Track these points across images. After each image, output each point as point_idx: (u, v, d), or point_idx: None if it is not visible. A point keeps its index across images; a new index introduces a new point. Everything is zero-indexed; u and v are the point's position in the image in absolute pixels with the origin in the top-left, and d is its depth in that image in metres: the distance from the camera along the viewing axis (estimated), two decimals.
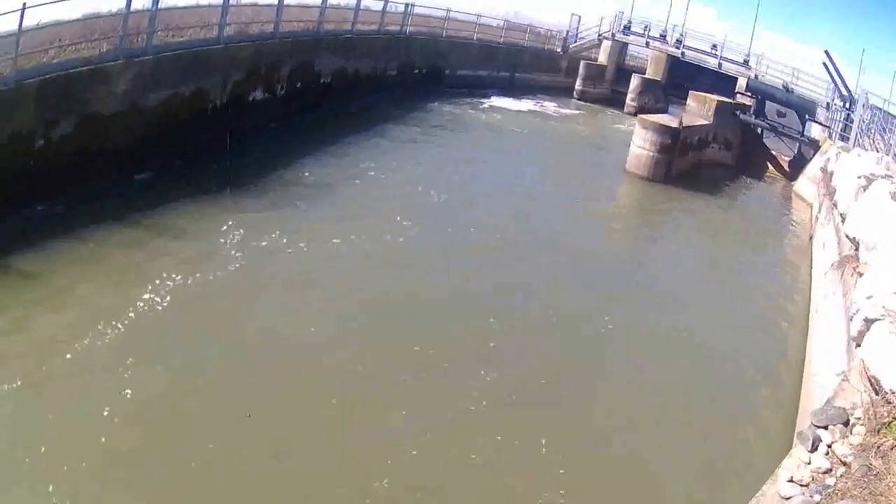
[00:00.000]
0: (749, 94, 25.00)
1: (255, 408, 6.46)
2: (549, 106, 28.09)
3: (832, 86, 22.62)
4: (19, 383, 6.20)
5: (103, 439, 5.70)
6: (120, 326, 7.35)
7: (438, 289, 9.67)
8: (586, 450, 6.93)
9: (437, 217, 12.66)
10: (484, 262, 10.93)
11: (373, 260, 10.13)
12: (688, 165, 19.65)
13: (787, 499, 4.22)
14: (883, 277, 7.21)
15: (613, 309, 10.10)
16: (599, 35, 31.65)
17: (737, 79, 26.66)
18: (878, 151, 16.42)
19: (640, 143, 18.61)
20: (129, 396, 6.27)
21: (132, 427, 5.91)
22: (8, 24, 9.49)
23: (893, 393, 5.34)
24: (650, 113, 22.50)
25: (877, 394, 5.48)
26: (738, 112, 23.16)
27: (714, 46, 28.59)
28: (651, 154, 18.35)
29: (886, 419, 5.21)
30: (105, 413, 5.98)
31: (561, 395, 7.72)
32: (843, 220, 11.90)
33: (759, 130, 23.70)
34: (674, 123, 18.78)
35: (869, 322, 6.67)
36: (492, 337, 8.51)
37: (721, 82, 26.77)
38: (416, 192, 13.72)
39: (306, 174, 13.64)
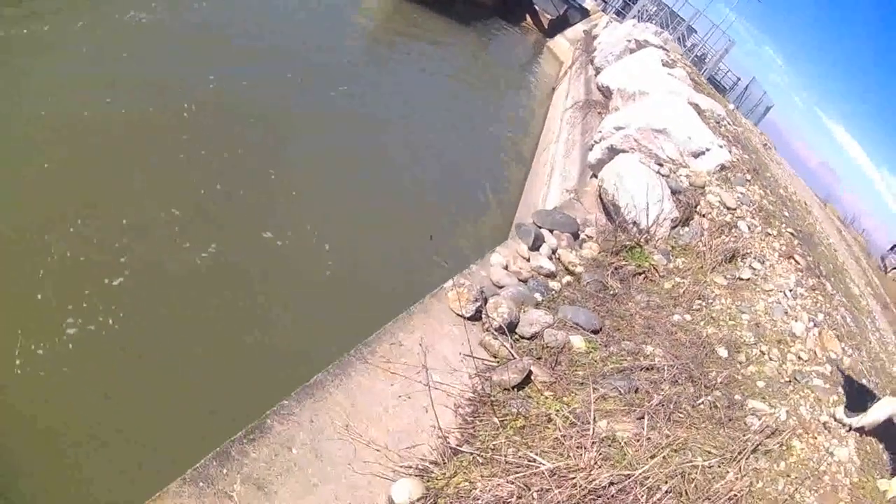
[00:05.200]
0: None
1: None
2: None
3: None
4: None
5: None
6: None
7: None
8: None
9: None
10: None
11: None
12: None
13: (501, 287, 3.73)
14: (638, 115, 6.29)
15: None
16: None
17: None
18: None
19: None
20: None
21: None
22: None
23: (636, 224, 4.52)
24: None
25: (612, 221, 5.08)
26: None
27: None
28: None
29: (628, 244, 4.34)
30: None
31: None
32: (598, 72, 11.46)
33: None
34: None
35: (613, 151, 5.75)
36: None
37: None
38: None
39: None
